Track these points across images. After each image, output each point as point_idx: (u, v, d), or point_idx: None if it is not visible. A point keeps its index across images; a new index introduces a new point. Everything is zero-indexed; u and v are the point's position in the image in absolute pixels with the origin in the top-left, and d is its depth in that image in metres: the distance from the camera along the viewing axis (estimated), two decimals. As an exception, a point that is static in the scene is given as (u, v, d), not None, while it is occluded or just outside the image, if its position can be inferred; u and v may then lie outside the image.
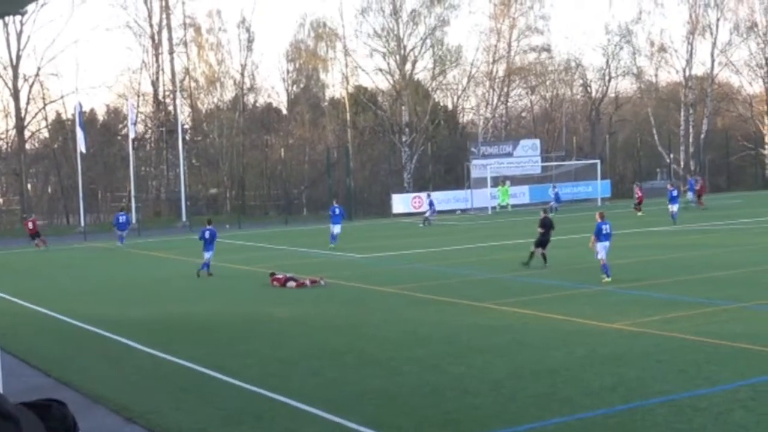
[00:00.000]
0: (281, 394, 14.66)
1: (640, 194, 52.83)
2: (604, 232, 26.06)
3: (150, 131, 75.20)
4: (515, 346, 17.82)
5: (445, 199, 60.97)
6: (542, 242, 29.72)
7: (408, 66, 72.00)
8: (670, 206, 45.89)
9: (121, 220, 48.77)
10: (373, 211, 67.82)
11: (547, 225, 29.84)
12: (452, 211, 60.44)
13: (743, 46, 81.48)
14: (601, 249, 26.02)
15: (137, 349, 19.21)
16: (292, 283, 27.68)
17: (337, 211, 41.44)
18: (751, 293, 22.48)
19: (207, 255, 31.18)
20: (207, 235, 31.15)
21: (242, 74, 77.27)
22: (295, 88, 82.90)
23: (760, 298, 21.77)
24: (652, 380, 14.62)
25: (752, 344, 16.71)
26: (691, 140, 76.85)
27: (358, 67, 73.93)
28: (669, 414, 12.79)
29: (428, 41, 72.01)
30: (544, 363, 16.19)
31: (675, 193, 46.27)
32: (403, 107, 71.31)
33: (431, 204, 53.14)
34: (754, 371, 14.84)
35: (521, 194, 63.20)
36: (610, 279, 25.55)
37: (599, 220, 26.45)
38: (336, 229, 40.77)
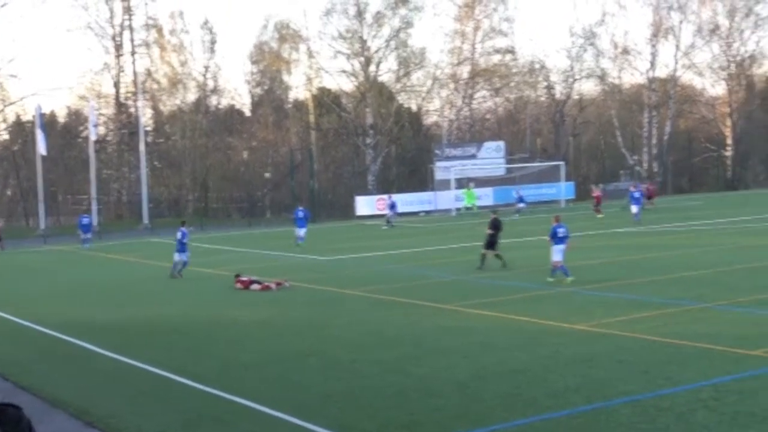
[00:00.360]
0: (244, 397, 14.56)
1: (597, 195, 53.04)
2: (559, 234, 26.14)
3: (111, 133, 74.56)
4: (479, 347, 17.82)
5: (409, 201, 61.00)
6: (491, 243, 29.83)
7: (372, 68, 72.02)
8: (631, 207, 46.44)
9: (84, 222, 48.51)
10: (337, 213, 67.72)
11: (495, 226, 29.95)
12: (416, 213, 60.47)
13: (706, 49, 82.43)
14: (557, 251, 26.09)
15: (97, 352, 19.01)
16: (256, 286, 27.54)
17: (301, 214, 41.69)
18: (713, 294, 22.66)
19: (177, 257, 31.41)
20: (179, 236, 31.48)
21: (205, 76, 76.93)
22: (258, 89, 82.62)
23: (722, 298, 21.93)
24: (616, 381, 14.68)
25: (714, 344, 16.83)
26: (654, 142, 77.47)
27: (322, 69, 73.92)
28: (632, 414, 12.84)
29: (392, 43, 72.09)
30: (508, 364, 16.21)
31: (637, 194, 46.96)
32: (367, 109, 71.28)
33: (392, 206, 53.11)
34: (717, 371, 14.94)
35: (485, 196, 63.38)
36: (560, 280, 25.66)
37: (554, 223, 26.58)
38: (300, 232, 41.05)
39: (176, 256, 31.57)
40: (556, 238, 26.17)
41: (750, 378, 14.43)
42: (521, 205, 56.49)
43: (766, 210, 49.16)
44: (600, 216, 50.01)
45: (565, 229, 26.38)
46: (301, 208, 43.02)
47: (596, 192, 53.74)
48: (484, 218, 53.02)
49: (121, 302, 26.73)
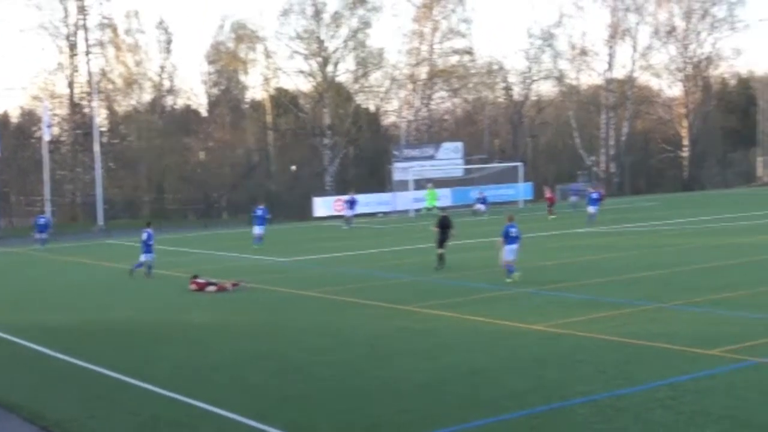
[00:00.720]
0: (200, 401, 14.41)
1: (549, 196, 53.24)
2: (511, 234, 26.16)
3: (65, 134, 73.68)
4: (438, 348, 17.79)
5: (367, 201, 60.87)
6: (440, 241, 30.02)
7: (330, 68, 71.83)
8: (588, 208, 46.79)
9: (41, 222, 48.02)
10: (295, 214, 67.45)
11: (443, 225, 30.15)
12: (375, 214, 60.38)
13: (663, 50, 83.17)
14: (508, 251, 26.12)
15: (51, 355, 18.73)
16: (211, 287, 27.32)
17: (260, 212, 41.66)
18: (670, 294, 22.82)
19: (143, 257, 31.43)
20: (144, 236, 31.44)
21: (161, 76, 76.35)
22: (215, 90, 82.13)
23: (677, 298, 22.09)
24: (574, 381, 14.72)
25: (671, 344, 16.93)
26: (611, 143, 78.01)
27: (280, 69, 73.55)
28: (590, 414, 12.88)
29: (350, 43, 71.92)
30: (466, 365, 16.20)
31: (596, 195, 47.51)
32: (324, 109, 71.06)
33: (352, 204, 52.94)
34: (673, 371, 15.02)
35: (444, 197, 63.41)
36: (514, 279, 25.78)
37: (507, 223, 26.61)
38: (257, 230, 41.09)
39: (143, 257, 31.54)
40: (508, 238, 26.17)
41: (707, 377, 14.52)
42: (481, 206, 56.56)
43: (722, 210, 49.72)
44: (552, 217, 50.20)
45: (517, 229, 26.38)
46: (260, 206, 42.84)
47: (549, 193, 54.00)
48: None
49: (75, 304, 26.40)
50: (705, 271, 26.94)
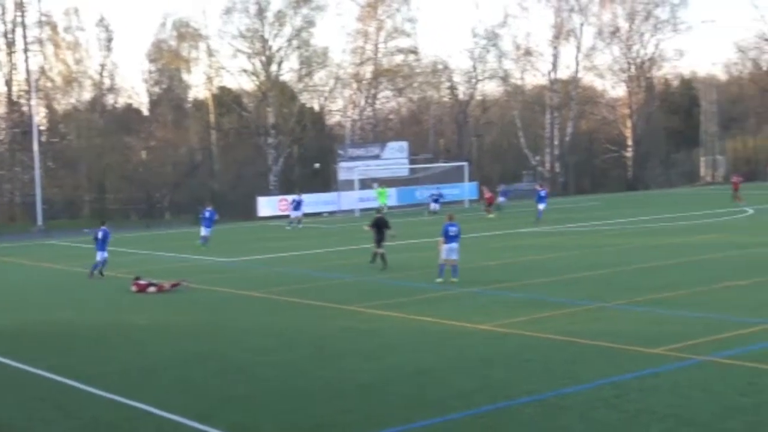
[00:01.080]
0: (143, 402, 14.23)
1: (489, 196, 53.36)
2: (450, 233, 26.15)
3: (3, 132, 72.30)
4: (383, 349, 17.73)
5: (312, 201, 60.63)
6: (377, 241, 30.21)
7: (274, 67, 71.41)
8: (538, 205, 47.53)
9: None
10: (239, 213, 66.92)
11: (378, 224, 30.29)
12: (320, 214, 60.16)
13: (606, 51, 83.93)
14: (448, 250, 26.11)
15: (-12, 358, 18.32)
16: (152, 288, 27.00)
17: (207, 214, 41.71)
18: (612, 293, 22.98)
19: (99, 256, 31.13)
20: (100, 235, 31.11)
21: (101, 74, 75.27)
22: (156, 88, 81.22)
23: (619, 298, 22.26)
24: (519, 380, 14.75)
25: (614, 343, 17.04)
26: (556, 143, 78.56)
27: (223, 68, 72.93)
28: (535, 413, 12.90)
29: (294, 42, 71.56)
30: (412, 365, 16.15)
31: (543, 193, 48.60)
32: (268, 109, 70.65)
33: (297, 205, 52.66)
34: (617, 369, 15.11)
35: (389, 196, 63.42)
36: (445, 280, 25.78)
37: (446, 222, 26.61)
38: (204, 231, 41.14)
39: (98, 255, 31.25)
40: (447, 237, 26.16)
41: (650, 376, 14.61)
42: (435, 205, 56.87)
43: (665, 210, 50.32)
44: (490, 216, 50.29)
45: (457, 228, 26.33)
46: (208, 208, 42.83)
47: (488, 193, 54.14)
48: (393, 218, 53.18)
49: (13, 306, 25.91)
50: (646, 270, 27.19)
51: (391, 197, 63.13)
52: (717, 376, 14.38)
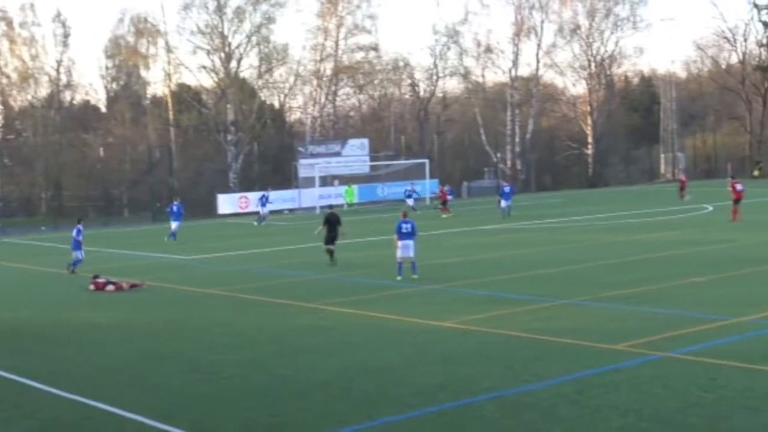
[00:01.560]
0: (102, 402, 14.08)
1: (443, 194, 53.30)
2: (403, 230, 26.02)
3: (-42, 129, 71.31)
4: (344, 346, 17.65)
5: (272, 199, 60.24)
6: (330, 238, 30.31)
7: (233, 64, 70.92)
8: (502, 202, 48.00)
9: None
10: (199, 211, 66.38)
11: (330, 221, 30.44)
12: (280, 211, 59.86)
13: (567, 48, 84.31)
14: (403, 247, 26.01)
15: (-58, 358, 17.98)
16: (111, 287, 26.70)
17: (175, 208, 42.35)
18: (573, 290, 23.04)
19: (80, 254, 31.26)
20: (74, 233, 31.30)
21: (58, 70, 74.30)
22: (114, 85, 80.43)
23: (581, 294, 22.31)
24: (481, 377, 14.72)
25: (575, 340, 17.06)
26: (517, 140, 78.77)
27: (181, 65, 72.33)
28: (497, 410, 12.87)
29: (254, 39, 71.13)
30: (373, 363, 16.09)
31: (507, 189, 49.18)
32: (228, 105, 70.16)
33: (263, 201, 52.49)
34: (578, 366, 15.13)
35: (356, 195, 63.29)
36: (404, 278, 25.70)
37: (400, 219, 26.50)
38: (173, 226, 41.78)
39: (78, 253, 31.36)
40: (401, 234, 26.04)
41: (612, 372, 14.64)
42: (410, 201, 56.75)
43: (625, 207, 50.68)
44: (445, 216, 50.13)
45: (411, 225, 26.18)
46: (175, 202, 43.29)
47: (441, 191, 53.93)
48: (348, 216, 53.02)
49: (-32, 305, 25.48)
50: (607, 267, 27.31)
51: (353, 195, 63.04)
52: (677, 372, 14.43)
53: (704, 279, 23.84)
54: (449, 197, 55.02)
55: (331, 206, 33.07)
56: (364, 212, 57.03)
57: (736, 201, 39.56)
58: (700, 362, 14.99)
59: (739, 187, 39.78)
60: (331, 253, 30.36)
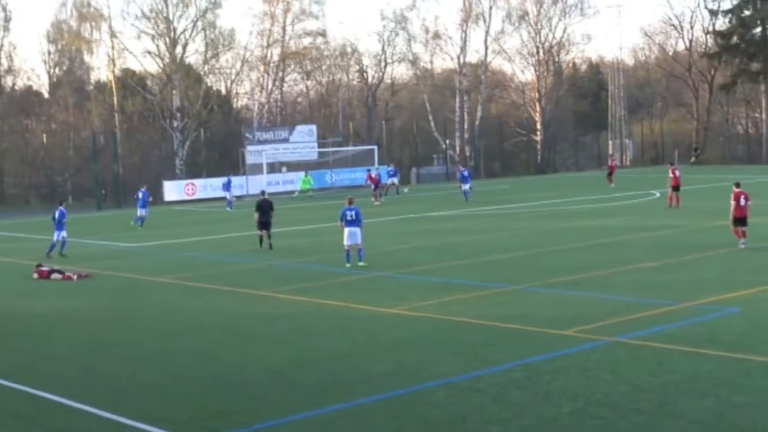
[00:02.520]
0: (48, 392, 13.94)
1: (372, 179, 52.86)
2: (348, 217, 25.93)
3: None
4: (294, 334, 17.58)
5: (219, 185, 59.83)
6: (263, 224, 30.68)
7: (179, 49, 70.08)
8: (462, 186, 49.46)
9: None
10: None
11: (263, 207, 30.79)
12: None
13: (515, 35, 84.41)
14: (348, 235, 25.94)
15: None
16: (57, 275, 26.29)
17: (141, 194, 42.94)
18: (523, 276, 23.15)
19: (56, 235, 31.31)
20: (56, 215, 31.45)
21: (-2, 55, 72.91)
22: (57, 70, 79.17)
23: (530, 280, 22.42)
24: (431, 364, 14.74)
25: (525, 325, 17.16)
26: (466, 126, 78.89)
27: (126, 50, 71.30)
28: (448, 396, 12.91)
29: (199, 24, 70.38)
30: (323, 350, 16.05)
31: (466, 173, 50.62)
32: (174, 91, 69.39)
33: (227, 185, 52.51)
34: (528, 351, 15.21)
35: (298, 180, 62.96)
36: (353, 264, 25.68)
37: (346, 205, 26.42)
38: (140, 211, 42.45)
39: (56, 235, 31.32)
40: (346, 221, 25.96)
41: (562, 357, 14.74)
42: (393, 180, 57.47)
43: (574, 193, 51.02)
44: (377, 203, 49.66)
45: (355, 211, 26.03)
46: (142, 189, 43.99)
47: (372, 177, 53.50)
48: (297, 203, 52.81)
49: None
50: (558, 253, 27.47)
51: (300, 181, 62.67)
52: (626, 357, 14.57)
53: (654, 264, 24.07)
54: (388, 181, 55.15)
55: (263, 192, 33.38)
56: (317, 198, 56.83)
57: (675, 188, 39.96)
58: (648, 347, 15.14)
59: (677, 173, 40.21)
60: (261, 239, 30.75)
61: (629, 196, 47.98)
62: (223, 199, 54.13)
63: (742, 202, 26.48)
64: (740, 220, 26.46)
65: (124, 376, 14.87)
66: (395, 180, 57.16)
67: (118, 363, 15.85)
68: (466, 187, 49.34)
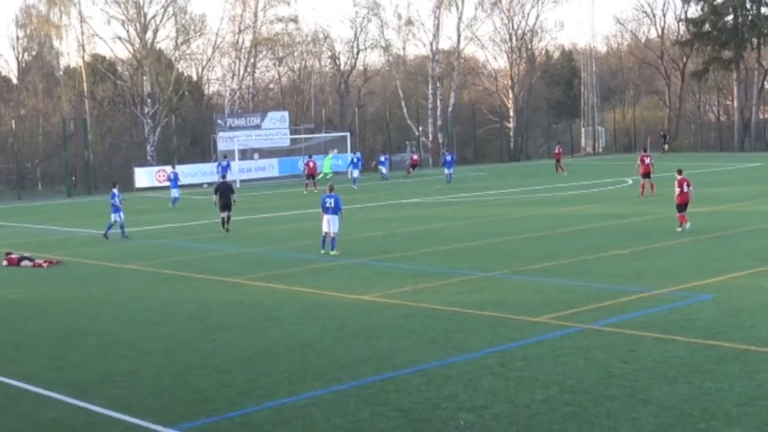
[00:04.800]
0: (18, 380, 13.84)
1: (310, 168, 51.75)
2: (327, 205, 25.87)
3: None
4: (267, 321, 17.52)
5: (191, 172, 59.52)
6: (224, 206, 31.86)
7: (149, 34, 69.54)
8: (446, 170, 52.71)
9: None
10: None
11: (222, 190, 32.04)
12: (199, 185, 59.06)
13: (488, 21, 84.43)
14: (325, 222, 25.84)
15: None
16: (27, 263, 26.06)
17: (172, 176, 44.83)
18: (495, 263, 23.19)
19: (113, 217, 31.80)
20: (112, 198, 32.00)
21: (-33, 40, 72.09)
22: (26, 56, 78.36)
23: (503, 267, 22.47)
24: (404, 351, 14.73)
25: (498, 312, 17.18)
26: (438, 113, 78.83)
27: (96, 35, 70.64)
28: (421, 383, 12.90)
29: (170, 9, 69.84)
30: (296, 338, 15.99)
31: (449, 157, 53.78)
32: (144, 77, 68.88)
33: (224, 169, 52.51)
34: (501, 339, 15.23)
35: (270, 167, 62.70)
36: (327, 251, 25.59)
37: (327, 192, 26.34)
38: (175, 192, 44.12)
39: (113, 217, 31.66)
40: (324, 208, 25.89)
41: (534, 344, 14.76)
42: (383, 168, 58.68)
43: (546, 180, 51.12)
44: (305, 192, 49.11)
45: (334, 199, 25.94)
46: (173, 170, 46.36)
47: (311, 166, 52.66)
48: (271, 189, 52.61)
49: None
50: (530, 240, 27.53)
51: (272, 168, 62.44)
52: (598, 344, 14.61)
53: (626, 252, 24.17)
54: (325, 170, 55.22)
55: (223, 176, 35.24)
56: (274, 186, 56.62)
57: (645, 175, 40.00)
58: (620, 334, 15.20)
59: (647, 161, 40.24)
60: (223, 221, 31.99)
61: (602, 183, 48.16)
62: (198, 186, 53.82)
63: (685, 188, 27.73)
64: (683, 206, 27.73)
65: (95, 364, 14.75)
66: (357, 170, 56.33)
67: (89, 351, 15.74)
68: (448, 171, 52.12)
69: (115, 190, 32.12)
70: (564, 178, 51.62)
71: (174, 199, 43.86)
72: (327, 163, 58.10)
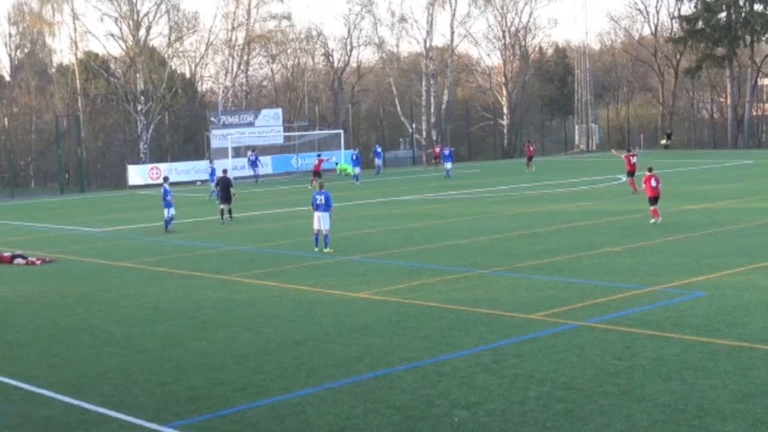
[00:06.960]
0: (11, 378, 13.82)
1: (316, 167, 51.18)
2: (317, 202, 25.83)
3: None
4: (261, 318, 17.49)
5: (184, 170, 59.47)
6: (224, 198, 34.03)
7: (142, 32, 69.39)
8: (444, 164, 54.62)
9: None
10: (108, 182, 65.22)
11: (222, 183, 34.30)
12: (193, 182, 59.02)
13: (481, 19, 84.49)
14: (316, 219, 25.81)
15: None
16: (20, 260, 25.99)
17: (210, 169, 45.98)
18: (490, 260, 23.18)
19: (166, 212, 32.25)
20: (163, 192, 32.38)
21: (-41, 38, 71.91)
22: (18, 53, 78.21)
23: (497, 264, 22.46)
24: (398, 348, 14.72)
25: (492, 309, 17.17)
26: (432, 110, 78.81)
27: (88, 32, 70.55)
28: (415, 380, 12.89)
29: (163, 6, 69.72)
30: (290, 335, 15.97)
31: (448, 151, 55.61)
32: (137, 74, 68.74)
33: (254, 164, 52.80)
34: (495, 336, 15.22)
35: (264, 164, 62.65)
36: (320, 249, 25.60)
37: (317, 190, 26.29)
38: (168, 212, 42.93)
39: (166, 212, 32.30)
40: (315, 206, 25.85)
41: (528, 341, 14.76)
42: (378, 160, 60.36)
43: (541, 178, 51.11)
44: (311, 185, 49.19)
45: (324, 196, 25.87)
46: (211, 164, 47.32)
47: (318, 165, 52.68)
48: (264, 187, 52.58)
49: None
50: (525, 237, 27.51)
51: (266, 166, 62.35)
52: (593, 341, 14.61)
53: (620, 249, 24.18)
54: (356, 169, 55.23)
55: (224, 171, 36.09)
56: (266, 184, 56.60)
57: (630, 173, 40.13)
58: (614, 331, 15.20)
59: (633, 160, 40.49)
60: (222, 213, 33.97)
61: (594, 180, 48.18)
62: (191, 183, 53.73)
63: (653, 183, 29.43)
64: (654, 200, 29.30)
65: (88, 362, 14.72)
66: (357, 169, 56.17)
67: (82, 348, 15.69)
68: (449, 165, 53.66)
69: (167, 186, 32.23)
70: (558, 175, 51.65)
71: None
72: (345, 165, 58.06)
